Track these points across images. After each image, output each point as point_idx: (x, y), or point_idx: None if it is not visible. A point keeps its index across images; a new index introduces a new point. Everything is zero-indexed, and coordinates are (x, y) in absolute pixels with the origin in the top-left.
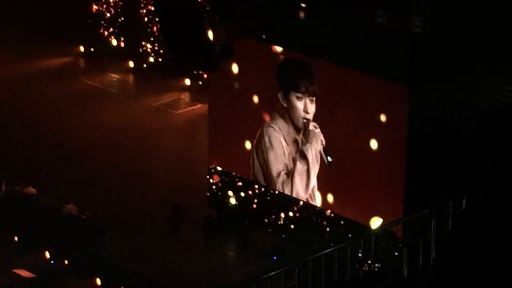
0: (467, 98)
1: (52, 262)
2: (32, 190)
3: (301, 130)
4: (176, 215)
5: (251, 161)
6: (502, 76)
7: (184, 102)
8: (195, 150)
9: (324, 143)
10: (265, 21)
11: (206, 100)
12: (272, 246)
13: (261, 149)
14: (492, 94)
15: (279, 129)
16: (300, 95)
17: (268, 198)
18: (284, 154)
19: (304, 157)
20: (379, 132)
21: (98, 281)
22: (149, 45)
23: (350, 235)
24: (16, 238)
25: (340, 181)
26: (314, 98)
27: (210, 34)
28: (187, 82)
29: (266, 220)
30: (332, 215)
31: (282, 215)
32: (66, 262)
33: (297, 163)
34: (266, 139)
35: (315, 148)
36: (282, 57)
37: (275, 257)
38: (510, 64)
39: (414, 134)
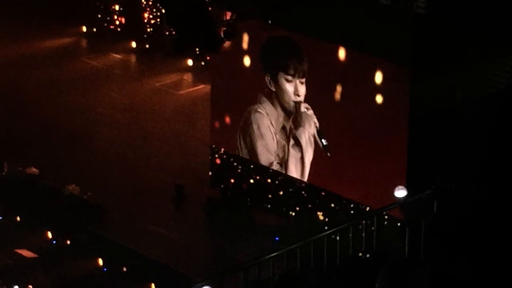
0: (469, 81)
1: (54, 242)
2: (34, 170)
3: (292, 114)
4: (178, 196)
5: (238, 146)
6: (506, 59)
7: (186, 83)
8: (197, 131)
9: (317, 125)
10: (268, 2)
11: (209, 81)
12: (275, 227)
13: (249, 136)
14: (495, 76)
15: (267, 113)
16: (290, 77)
17: (271, 179)
18: (274, 142)
19: (297, 143)
20: (380, 114)
21: (100, 262)
22: (151, 26)
23: (352, 217)
24: (18, 218)
25: (341, 164)
26: (304, 79)
27: (213, 15)
28: (190, 62)
29: (268, 201)
30: (334, 196)
31: (284, 195)
32: (68, 242)
33: (290, 151)
34: (255, 127)
35: (308, 131)
36: (266, 36)
37: (277, 238)
38: None
39: (416, 116)
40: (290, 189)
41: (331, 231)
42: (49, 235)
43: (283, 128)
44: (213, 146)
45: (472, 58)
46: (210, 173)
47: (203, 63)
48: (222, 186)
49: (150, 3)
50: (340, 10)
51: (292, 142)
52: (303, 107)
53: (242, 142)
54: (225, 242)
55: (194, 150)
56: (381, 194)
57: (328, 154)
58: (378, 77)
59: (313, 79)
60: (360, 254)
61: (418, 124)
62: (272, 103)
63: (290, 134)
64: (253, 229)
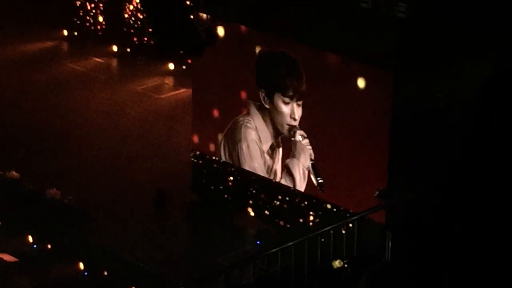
0: (452, 85)
1: (35, 246)
2: (15, 174)
3: (283, 135)
4: (159, 200)
5: (222, 156)
6: (488, 63)
7: (168, 87)
8: (179, 135)
9: (313, 157)
10: (249, 6)
11: (190, 85)
12: (256, 231)
13: (236, 154)
14: (477, 80)
15: (256, 128)
16: (287, 99)
17: (253, 183)
18: (262, 162)
19: (290, 173)
20: (362, 118)
21: (81, 266)
22: (133, 30)
23: (333, 221)
24: None
25: (323, 167)
26: (301, 102)
27: (195, 19)
28: (171, 66)
29: (250, 205)
30: (315, 200)
31: (267, 199)
32: (49, 246)
33: (281, 181)
34: (244, 145)
35: (303, 164)
36: (262, 48)
37: (258, 242)
38: (496, 50)
39: (398, 120)
40: (273, 193)
41: (312, 234)
42: (30, 239)
43: (272, 146)
44: (195, 150)
45: (455, 61)
46: (192, 177)
47: (184, 67)
48: (203, 190)
49: (132, 7)
50: (320, 14)
51: (283, 169)
52: (299, 134)
53: (227, 155)
54: (207, 245)
55: (176, 154)
56: (363, 198)
57: (321, 191)
58: (360, 81)
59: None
60: (338, 261)
61: (400, 128)
62: (264, 119)
63: (277, 150)
64: (235, 233)
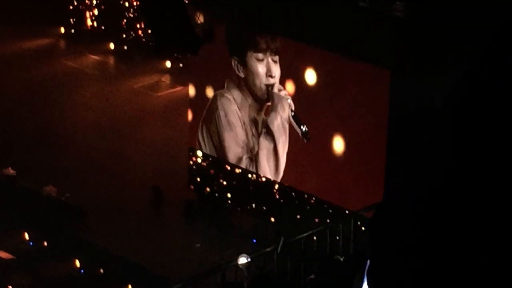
0: (450, 84)
1: (31, 243)
2: (11, 171)
3: (263, 102)
4: (156, 198)
5: (200, 140)
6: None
7: (165, 85)
8: (176, 133)
9: (293, 107)
10: (245, 4)
11: (187, 83)
12: (253, 229)
13: (214, 126)
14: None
15: (235, 99)
16: (260, 55)
17: (249, 180)
18: (243, 132)
19: (269, 131)
20: (359, 117)
21: (77, 263)
22: (130, 27)
23: (329, 219)
24: None
25: (318, 165)
26: (277, 58)
27: (192, 17)
28: (168, 64)
29: (246, 203)
30: (313, 198)
31: (262, 197)
32: (45, 243)
33: (261, 141)
34: (221, 114)
35: (281, 115)
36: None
37: (254, 240)
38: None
39: (395, 119)
40: (268, 191)
41: (308, 233)
42: (26, 236)
43: (254, 120)
44: (191, 148)
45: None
46: (188, 175)
47: (181, 65)
48: (200, 188)
49: (129, 4)
50: (317, 12)
51: (264, 130)
52: (276, 88)
53: (205, 133)
54: (203, 244)
55: (172, 152)
56: (359, 196)
57: (306, 141)
58: (357, 79)
59: (292, 79)
60: (338, 257)
61: (397, 128)
62: (241, 91)
63: (262, 127)
64: (231, 231)
